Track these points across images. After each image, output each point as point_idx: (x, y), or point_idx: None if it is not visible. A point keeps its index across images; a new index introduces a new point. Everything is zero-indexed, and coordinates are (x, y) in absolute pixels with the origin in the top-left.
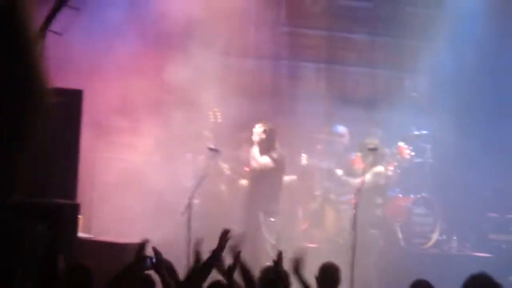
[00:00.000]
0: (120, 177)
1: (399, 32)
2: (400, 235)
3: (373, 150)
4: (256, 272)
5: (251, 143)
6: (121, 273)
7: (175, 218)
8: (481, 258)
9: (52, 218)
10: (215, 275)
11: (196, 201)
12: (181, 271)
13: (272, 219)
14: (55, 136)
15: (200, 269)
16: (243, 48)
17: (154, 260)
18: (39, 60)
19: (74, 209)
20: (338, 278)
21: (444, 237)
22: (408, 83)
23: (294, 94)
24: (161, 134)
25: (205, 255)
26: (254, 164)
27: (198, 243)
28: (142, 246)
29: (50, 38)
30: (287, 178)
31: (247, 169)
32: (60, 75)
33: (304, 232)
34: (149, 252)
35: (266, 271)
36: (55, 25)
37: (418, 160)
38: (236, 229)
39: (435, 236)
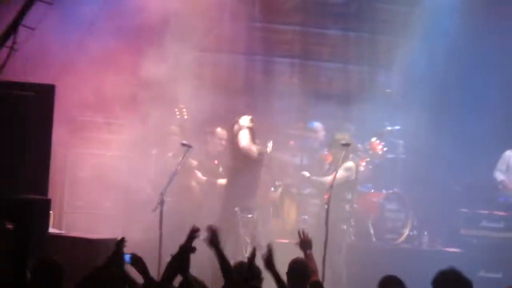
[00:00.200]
0: (92, 173)
1: (373, 28)
2: (372, 231)
3: (346, 145)
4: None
5: (235, 129)
6: (98, 269)
7: (147, 215)
8: (452, 254)
9: (23, 213)
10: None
11: (168, 199)
12: (152, 268)
13: (249, 215)
14: (26, 130)
15: (169, 266)
16: (217, 43)
17: (129, 256)
18: None
19: (45, 205)
20: (307, 274)
21: (415, 232)
22: (382, 79)
23: (267, 90)
24: (135, 130)
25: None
26: (242, 143)
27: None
28: (120, 243)
29: (22, 32)
30: None
31: (216, 162)
32: (32, 70)
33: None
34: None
35: (238, 267)
36: (28, 20)
37: (390, 155)
38: (212, 224)
39: (406, 232)
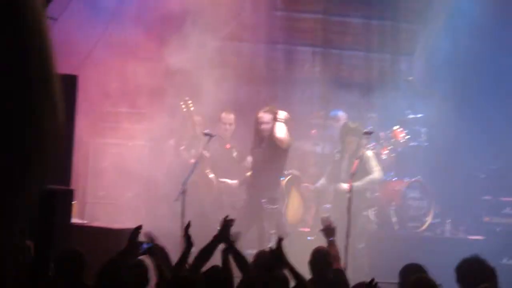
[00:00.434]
0: (115, 163)
1: (395, 15)
2: (394, 219)
3: (369, 133)
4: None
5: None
6: (114, 259)
7: (169, 205)
8: (475, 241)
9: (47, 203)
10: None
11: (188, 188)
12: (175, 257)
13: (274, 206)
14: None
15: (199, 254)
16: (239, 32)
17: (148, 245)
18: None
19: (68, 195)
20: (329, 262)
21: (438, 220)
22: (404, 67)
23: (289, 78)
24: (157, 120)
25: (197, 240)
26: (279, 134)
27: (187, 227)
28: (135, 231)
29: None
30: None
31: (228, 146)
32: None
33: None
34: (142, 238)
35: (259, 256)
36: (50, 10)
37: (413, 143)
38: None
39: (429, 220)
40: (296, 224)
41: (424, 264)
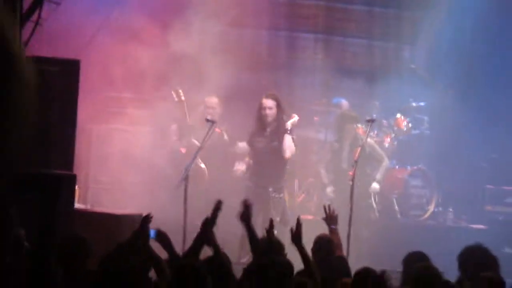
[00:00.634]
0: (117, 148)
1: (398, 3)
2: (396, 208)
3: (371, 121)
4: None
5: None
6: (123, 245)
7: (172, 190)
8: (477, 230)
9: (49, 188)
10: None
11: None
12: (178, 243)
13: (280, 195)
14: (52, 106)
15: (194, 242)
16: (241, 18)
17: (155, 232)
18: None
19: (71, 180)
20: (332, 249)
21: (440, 209)
22: (407, 55)
23: (291, 65)
24: (160, 106)
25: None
26: (289, 154)
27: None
28: (146, 219)
29: (47, 7)
30: None
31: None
32: (57, 45)
33: (300, 204)
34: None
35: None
36: None
37: (415, 132)
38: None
39: (431, 208)
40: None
41: (426, 253)
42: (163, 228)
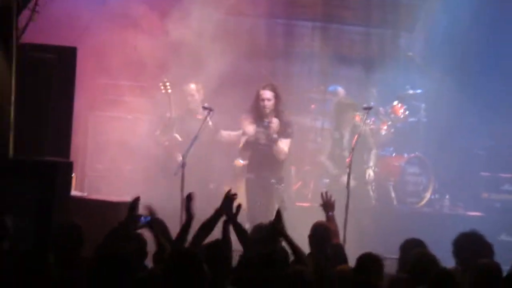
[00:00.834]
0: (114, 136)
1: None
2: (393, 195)
3: (368, 109)
4: None
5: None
6: (113, 231)
7: (168, 178)
8: (473, 217)
9: (46, 175)
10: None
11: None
12: (174, 231)
13: (281, 185)
14: (48, 93)
15: (201, 228)
16: (239, 7)
17: (146, 219)
18: None
19: (68, 167)
20: (328, 237)
21: (437, 196)
22: (404, 42)
23: (289, 53)
24: (157, 94)
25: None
26: (283, 158)
27: (188, 199)
28: (133, 204)
29: None
30: None
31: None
32: (54, 32)
33: (296, 191)
34: (142, 211)
35: (256, 229)
36: None
37: (412, 119)
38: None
39: (428, 195)
40: None
41: (423, 239)
42: (161, 216)
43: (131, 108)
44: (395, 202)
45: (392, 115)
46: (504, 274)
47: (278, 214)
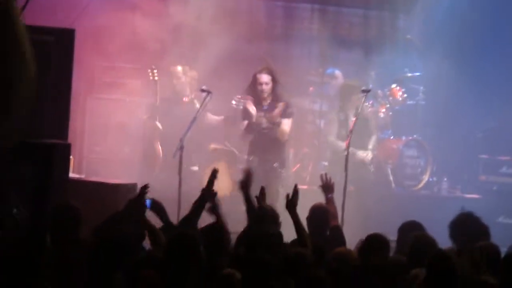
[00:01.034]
0: (112, 118)
1: None
2: (391, 177)
3: (367, 91)
4: None
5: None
6: (118, 213)
7: (166, 160)
8: (471, 200)
9: (44, 157)
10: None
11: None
12: (172, 213)
13: (284, 169)
14: (46, 75)
15: (192, 210)
16: None
17: (150, 201)
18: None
19: (66, 149)
20: (327, 219)
21: (435, 178)
22: (402, 24)
23: (287, 35)
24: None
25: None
26: (285, 138)
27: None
28: (143, 191)
29: None
30: None
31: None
32: (52, 14)
33: (294, 174)
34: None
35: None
36: None
37: (410, 102)
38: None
39: (425, 178)
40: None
41: (421, 222)
42: (158, 198)
43: (130, 90)
44: (393, 185)
45: (391, 98)
46: (502, 255)
47: (295, 189)
